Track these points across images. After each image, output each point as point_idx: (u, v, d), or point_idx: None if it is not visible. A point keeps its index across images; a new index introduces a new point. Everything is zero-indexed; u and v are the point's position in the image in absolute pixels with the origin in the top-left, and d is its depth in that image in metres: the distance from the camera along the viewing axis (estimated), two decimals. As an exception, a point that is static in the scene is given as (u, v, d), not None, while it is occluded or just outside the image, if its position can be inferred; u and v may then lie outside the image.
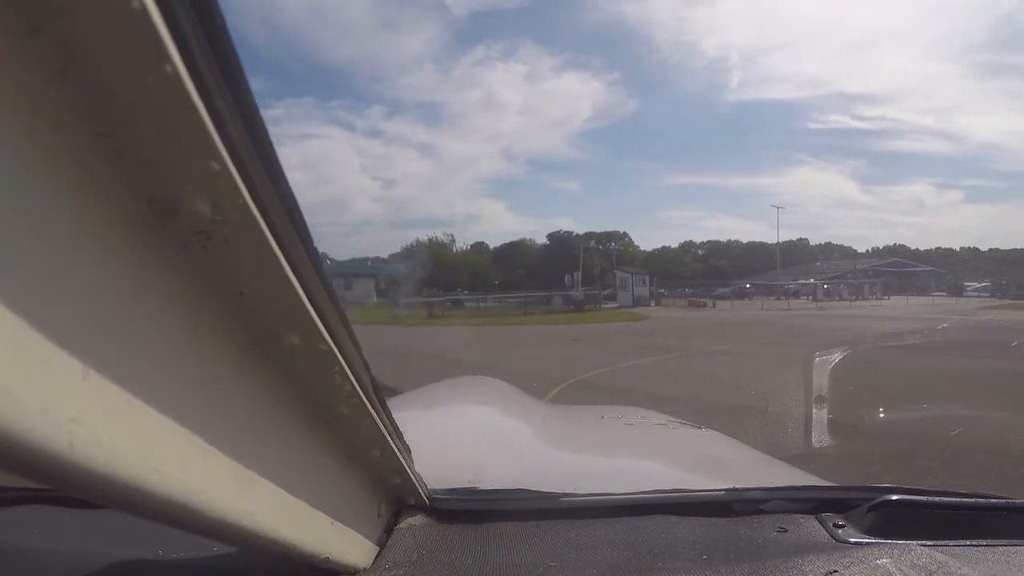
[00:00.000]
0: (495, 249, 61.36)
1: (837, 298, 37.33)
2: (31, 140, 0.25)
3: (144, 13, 0.24)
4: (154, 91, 0.27)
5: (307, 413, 0.51)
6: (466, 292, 38.06)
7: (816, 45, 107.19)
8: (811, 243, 77.27)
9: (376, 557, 0.66)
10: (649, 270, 42.79)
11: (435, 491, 0.78)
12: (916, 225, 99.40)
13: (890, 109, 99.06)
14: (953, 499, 0.79)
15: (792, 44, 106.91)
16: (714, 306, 31.99)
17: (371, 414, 0.56)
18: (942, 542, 0.69)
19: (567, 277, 36.82)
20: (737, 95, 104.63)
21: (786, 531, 0.74)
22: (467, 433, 1.41)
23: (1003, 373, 7.95)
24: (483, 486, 0.83)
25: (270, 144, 0.34)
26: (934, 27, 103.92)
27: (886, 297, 38.92)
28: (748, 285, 44.55)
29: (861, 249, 73.89)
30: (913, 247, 74.19)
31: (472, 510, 0.78)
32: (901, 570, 0.61)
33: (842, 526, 0.75)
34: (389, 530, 0.73)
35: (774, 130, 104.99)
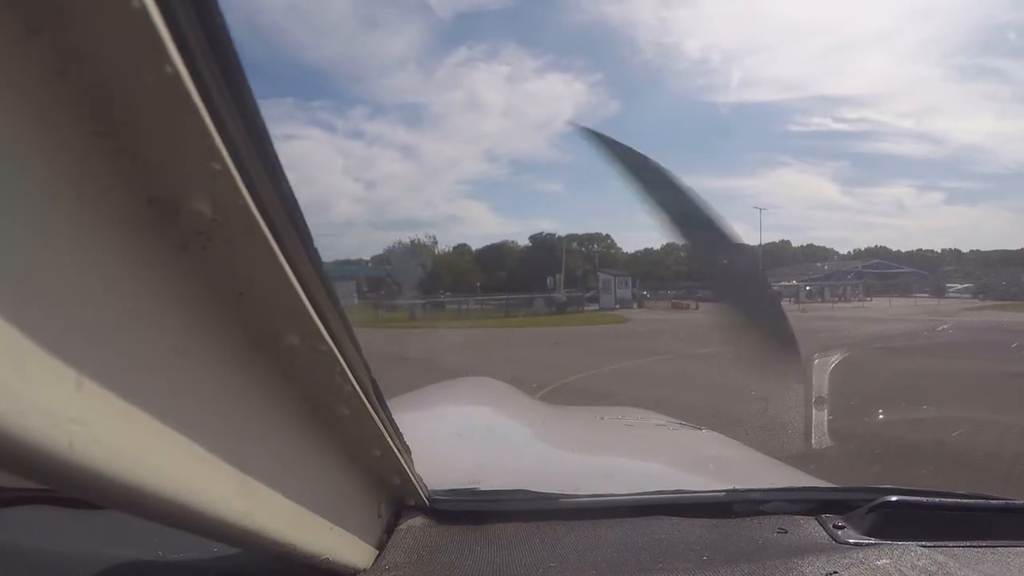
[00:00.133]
0: (477, 251, 60.78)
1: (819, 300, 37.24)
2: (31, 140, 0.25)
3: (144, 13, 0.24)
4: (154, 91, 0.27)
5: (307, 414, 0.51)
6: (448, 294, 37.86)
7: (798, 48, 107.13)
8: (793, 245, 77.09)
9: (376, 558, 0.66)
10: (632, 272, 42.37)
11: (435, 492, 0.78)
12: (897, 227, 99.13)
13: (871, 112, 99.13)
14: (953, 500, 0.79)
15: (774, 46, 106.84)
16: (697, 308, 31.64)
17: (371, 415, 0.56)
18: (942, 543, 0.69)
19: (549, 279, 36.33)
20: (719, 97, 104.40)
21: (786, 532, 0.74)
22: (467, 434, 1.41)
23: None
24: (483, 487, 0.83)
25: (270, 144, 0.34)
26: (915, 30, 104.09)
27: (868, 299, 38.82)
28: (731, 287, 44.19)
29: (843, 251, 73.83)
30: (894, 249, 74.49)
31: (472, 511, 0.78)
32: (901, 571, 0.61)
33: (842, 527, 0.75)
34: (389, 531, 0.73)
35: (756, 132, 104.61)
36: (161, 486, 0.31)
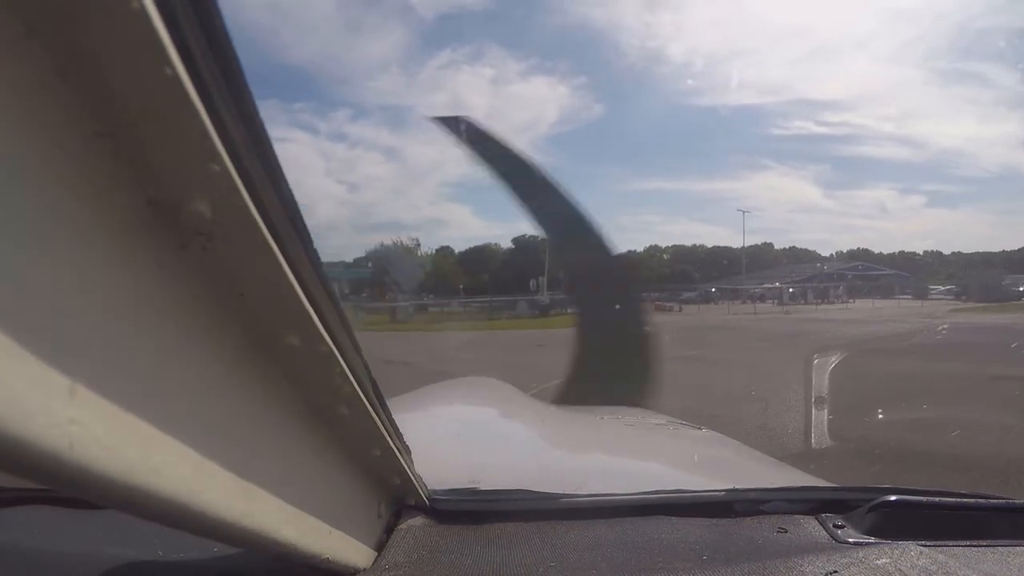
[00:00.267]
0: (460, 254, 60.54)
1: (802, 302, 37.38)
2: (30, 140, 0.25)
3: (144, 14, 0.24)
4: (154, 92, 0.27)
5: (307, 414, 0.51)
6: (431, 296, 37.81)
7: (780, 51, 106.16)
8: (776, 247, 77.04)
9: (376, 558, 0.66)
10: (615, 274, 42.37)
11: (435, 491, 0.78)
12: (879, 229, 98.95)
13: (853, 115, 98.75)
14: (953, 499, 0.79)
15: (756, 50, 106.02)
16: (680, 310, 31.70)
17: (371, 415, 0.56)
18: (942, 542, 0.69)
19: (532, 282, 36.05)
20: (702, 100, 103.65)
21: (786, 531, 0.74)
22: (467, 433, 1.41)
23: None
24: (483, 487, 0.83)
25: (270, 145, 0.34)
26: (897, 34, 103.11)
27: (851, 300, 38.92)
28: (714, 289, 44.63)
29: (825, 253, 74.11)
30: (876, 251, 74.66)
31: (472, 511, 0.78)
32: (901, 570, 0.61)
33: (842, 526, 0.75)
34: (389, 531, 0.73)
35: (739, 135, 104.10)
36: (161, 486, 0.31)
